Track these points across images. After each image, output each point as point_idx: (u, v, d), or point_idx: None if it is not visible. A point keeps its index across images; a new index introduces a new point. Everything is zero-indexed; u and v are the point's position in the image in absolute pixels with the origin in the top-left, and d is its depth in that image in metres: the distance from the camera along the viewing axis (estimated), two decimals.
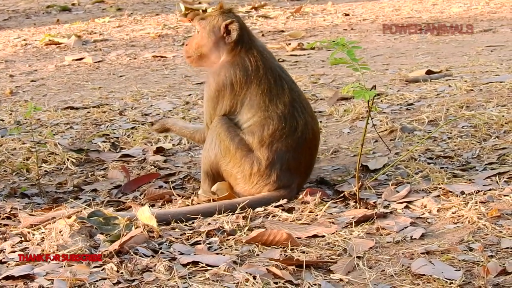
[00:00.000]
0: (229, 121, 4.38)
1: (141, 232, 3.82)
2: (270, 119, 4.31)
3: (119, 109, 6.59)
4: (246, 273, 3.36)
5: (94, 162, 5.42)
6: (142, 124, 6.06)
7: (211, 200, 4.35)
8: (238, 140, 4.33)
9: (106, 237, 3.80)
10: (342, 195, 4.30)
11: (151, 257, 3.61)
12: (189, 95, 6.93)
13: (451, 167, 4.63)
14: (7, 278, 3.42)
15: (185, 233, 3.91)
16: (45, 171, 5.26)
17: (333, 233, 3.79)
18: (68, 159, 5.38)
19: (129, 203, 4.52)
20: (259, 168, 4.30)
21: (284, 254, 3.60)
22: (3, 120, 6.49)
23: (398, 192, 4.28)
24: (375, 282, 3.31)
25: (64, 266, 3.50)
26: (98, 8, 13.60)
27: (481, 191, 4.19)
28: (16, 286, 3.37)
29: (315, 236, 3.80)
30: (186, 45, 4.64)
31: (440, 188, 4.29)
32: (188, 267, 3.50)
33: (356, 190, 4.22)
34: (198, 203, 4.37)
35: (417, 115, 5.60)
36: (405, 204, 4.14)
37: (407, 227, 3.82)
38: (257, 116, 4.34)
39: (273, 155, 4.29)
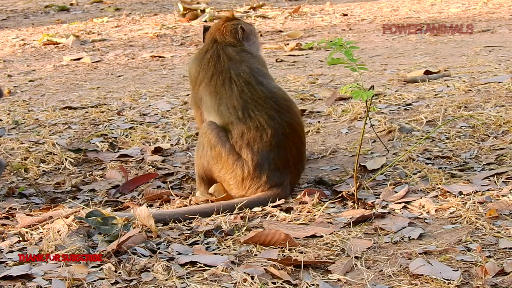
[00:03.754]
0: (218, 126, 4.40)
1: (139, 232, 3.82)
2: (231, 124, 4.36)
3: (117, 109, 6.59)
4: (244, 273, 3.36)
5: (92, 162, 5.42)
6: (140, 124, 6.06)
7: (209, 201, 4.35)
8: (230, 146, 4.34)
9: (104, 237, 3.80)
10: (340, 195, 4.30)
11: (149, 257, 3.62)
12: (187, 95, 6.92)
13: (449, 168, 4.63)
14: (5, 278, 3.42)
15: (183, 233, 3.91)
16: (43, 171, 5.26)
17: (331, 233, 3.79)
18: (66, 159, 5.38)
19: (127, 203, 4.52)
20: (248, 170, 4.31)
21: (282, 254, 3.60)
22: (1, 120, 6.49)
23: (396, 192, 4.28)
24: (373, 282, 3.31)
25: (62, 266, 3.50)
26: (97, 8, 13.60)
27: (479, 191, 4.20)
28: (14, 286, 3.37)
29: (313, 236, 3.80)
30: None
31: (438, 188, 4.29)
32: (186, 267, 3.50)
33: (354, 190, 4.22)
34: (197, 203, 4.37)
35: (415, 115, 5.60)
36: (403, 204, 4.14)
37: (405, 227, 3.82)
38: (218, 121, 4.41)
39: (257, 156, 4.30)
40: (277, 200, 4.27)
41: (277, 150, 4.32)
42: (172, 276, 3.40)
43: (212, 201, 4.32)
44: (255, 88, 4.41)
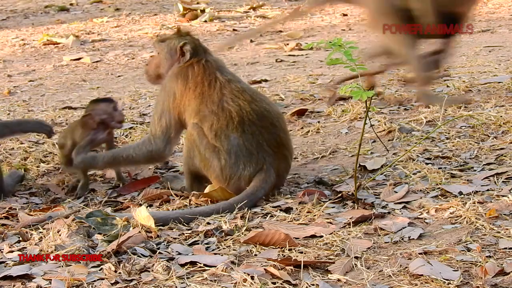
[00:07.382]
0: (200, 127, 4.43)
1: (139, 232, 3.82)
2: (204, 118, 4.42)
3: None
4: (244, 273, 3.35)
5: None
6: (140, 124, 6.06)
7: (209, 201, 4.36)
8: (206, 141, 4.39)
9: (104, 237, 3.80)
10: (340, 195, 4.30)
11: (149, 257, 3.61)
12: None
13: (449, 168, 4.63)
14: (5, 278, 3.42)
15: (183, 233, 3.91)
16: (43, 171, 5.26)
17: (331, 233, 3.79)
18: None
19: (127, 203, 4.52)
20: (224, 158, 4.35)
21: (282, 254, 3.60)
22: (1, 120, 6.48)
23: (396, 192, 4.28)
24: (373, 282, 3.31)
25: (62, 266, 3.50)
26: (96, 8, 13.60)
27: (479, 191, 4.20)
28: (14, 286, 3.37)
29: (313, 236, 3.80)
30: (147, 65, 4.97)
31: (438, 188, 4.29)
32: (186, 267, 3.50)
33: (354, 191, 4.22)
34: (196, 203, 4.37)
35: (415, 115, 5.60)
36: (403, 204, 4.14)
37: (405, 227, 3.82)
38: (197, 120, 4.46)
39: (227, 143, 4.35)
40: (265, 184, 4.30)
41: (244, 136, 4.36)
42: (172, 276, 3.40)
43: (212, 202, 4.33)
44: (235, 84, 4.53)
